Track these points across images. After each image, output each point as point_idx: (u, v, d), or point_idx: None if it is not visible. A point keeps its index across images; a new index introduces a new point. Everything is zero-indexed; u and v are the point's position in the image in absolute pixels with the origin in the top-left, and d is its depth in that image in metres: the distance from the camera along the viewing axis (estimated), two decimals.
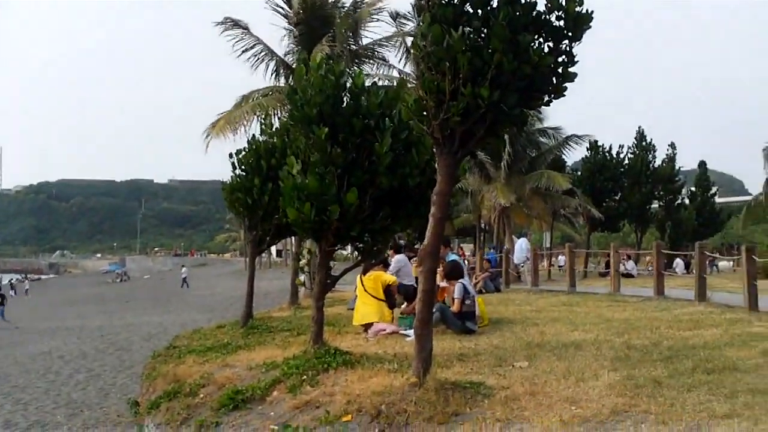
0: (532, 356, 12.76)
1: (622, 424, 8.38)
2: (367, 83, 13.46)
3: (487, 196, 48.09)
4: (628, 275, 42.02)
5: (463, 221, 66.28)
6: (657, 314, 18.93)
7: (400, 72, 37.54)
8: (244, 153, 19.58)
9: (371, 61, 38.78)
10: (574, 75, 9.78)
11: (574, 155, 71.03)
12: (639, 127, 58.42)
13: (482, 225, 63.30)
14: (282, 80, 36.88)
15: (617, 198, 53.83)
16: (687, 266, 47.37)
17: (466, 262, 37.13)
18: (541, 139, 52.06)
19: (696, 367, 11.08)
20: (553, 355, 12.83)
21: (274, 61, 37.11)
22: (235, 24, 36.48)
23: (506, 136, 43.95)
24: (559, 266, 51.83)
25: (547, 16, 9.51)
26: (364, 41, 38.68)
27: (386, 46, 38.56)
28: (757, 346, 12.77)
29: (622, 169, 54.71)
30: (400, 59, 38.68)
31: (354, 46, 38.01)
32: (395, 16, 38.08)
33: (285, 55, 37.25)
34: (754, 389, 9.54)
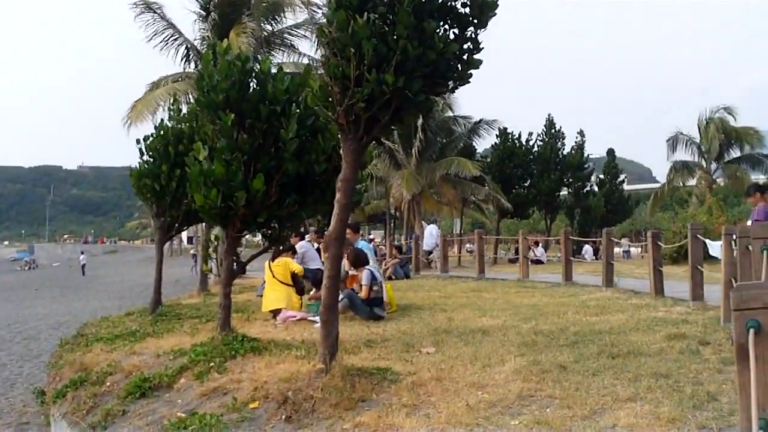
0: (440, 342, 12.81)
1: (528, 408, 8.45)
2: (274, 69, 13.41)
3: (398, 182, 48.09)
4: (538, 261, 42.44)
5: (374, 208, 66.23)
6: (564, 300, 19.14)
7: (312, 60, 37.37)
8: (151, 139, 19.38)
9: (283, 48, 38.69)
10: (479, 62, 9.81)
11: (484, 143, 71.46)
12: (548, 115, 58.70)
13: (393, 211, 63.41)
14: (193, 65, 36.62)
15: (527, 185, 53.99)
16: (596, 252, 47.89)
17: (378, 249, 37.24)
18: (452, 127, 52.18)
19: (601, 352, 11.20)
20: (460, 340, 12.89)
21: (184, 47, 36.83)
22: (148, 7, 36.16)
23: (419, 123, 44.18)
24: (468, 251, 51.90)
25: (453, 3, 9.52)
26: (279, 27, 38.58)
27: (298, 34, 38.51)
28: (661, 331, 12.94)
29: (531, 157, 54.91)
30: (312, 46, 38.58)
31: (266, 33, 37.85)
32: (308, 3, 37.90)
33: (195, 40, 36.99)
34: (657, 373, 9.67)
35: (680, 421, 7.61)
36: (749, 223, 15.64)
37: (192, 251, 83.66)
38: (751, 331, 4.39)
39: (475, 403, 8.70)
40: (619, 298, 19.01)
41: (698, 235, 17.33)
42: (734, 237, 11.86)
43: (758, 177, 63.00)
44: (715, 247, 16.26)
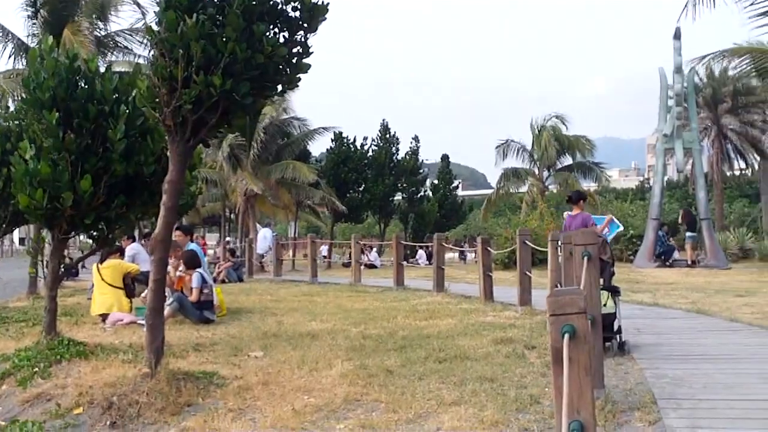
0: (268, 346, 12.81)
1: (354, 412, 8.52)
2: (102, 68, 13.18)
3: (234, 185, 47.81)
4: (372, 266, 42.69)
5: (209, 210, 65.61)
6: (395, 304, 19.25)
7: (147, 60, 36.83)
8: None
9: (119, 49, 38.11)
10: (308, 66, 9.84)
11: (320, 146, 71.41)
12: (383, 120, 58.83)
13: (228, 214, 62.99)
14: (23, 63, 35.74)
15: (361, 189, 54.08)
16: (429, 257, 48.21)
17: (208, 254, 37.00)
18: (289, 130, 51.98)
19: (428, 356, 11.34)
20: (289, 344, 12.91)
21: (13, 43, 35.94)
22: None
23: (263, 125, 44.08)
24: (323, 256, 51.65)
25: (283, 6, 9.53)
26: (113, 28, 38.00)
27: (133, 34, 37.94)
28: (488, 335, 13.14)
29: (366, 161, 55.03)
30: (146, 47, 38.04)
31: (103, 33, 37.26)
32: (137, 3, 37.37)
33: (28, 36, 36.11)
34: (482, 377, 9.83)
35: (503, 424, 7.76)
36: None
37: None
38: (566, 335, 4.47)
39: (302, 407, 8.72)
40: (450, 302, 19.20)
41: (526, 241, 17.64)
42: (559, 243, 12.09)
43: (589, 185, 64.46)
44: None
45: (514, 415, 8.06)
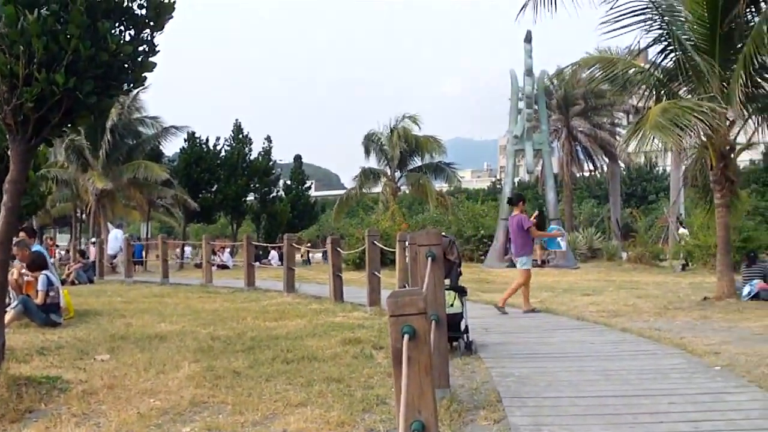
0: (115, 348, 12.65)
1: (200, 415, 8.45)
2: None
3: (84, 185, 47.13)
4: (224, 266, 42.47)
5: (60, 210, 64.42)
6: (245, 305, 19.24)
7: None
8: None
9: None
10: (154, 65, 9.74)
11: (173, 146, 70.78)
12: (236, 120, 58.55)
13: (79, 215, 62.02)
14: None
15: (214, 189, 53.78)
16: (282, 258, 48.08)
17: (54, 256, 36.33)
18: (141, 129, 51.46)
19: (276, 357, 11.35)
20: (136, 347, 12.78)
21: None
22: None
23: (109, 124, 43.52)
24: (187, 257, 51.50)
25: (129, 4, 9.41)
26: None
27: None
28: (336, 336, 13.21)
29: (218, 161, 54.73)
30: None
31: None
32: None
33: None
34: (330, 377, 9.86)
35: (349, 425, 7.78)
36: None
37: None
38: (406, 336, 4.48)
39: (147, 410, 8.62)
40: (300, 303, 19.27)
41: (375, 242, 17.75)
42: (406, 243, 12.19)
43: (441, 185, 64.99)
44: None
45: (360, 415, 8.09)
